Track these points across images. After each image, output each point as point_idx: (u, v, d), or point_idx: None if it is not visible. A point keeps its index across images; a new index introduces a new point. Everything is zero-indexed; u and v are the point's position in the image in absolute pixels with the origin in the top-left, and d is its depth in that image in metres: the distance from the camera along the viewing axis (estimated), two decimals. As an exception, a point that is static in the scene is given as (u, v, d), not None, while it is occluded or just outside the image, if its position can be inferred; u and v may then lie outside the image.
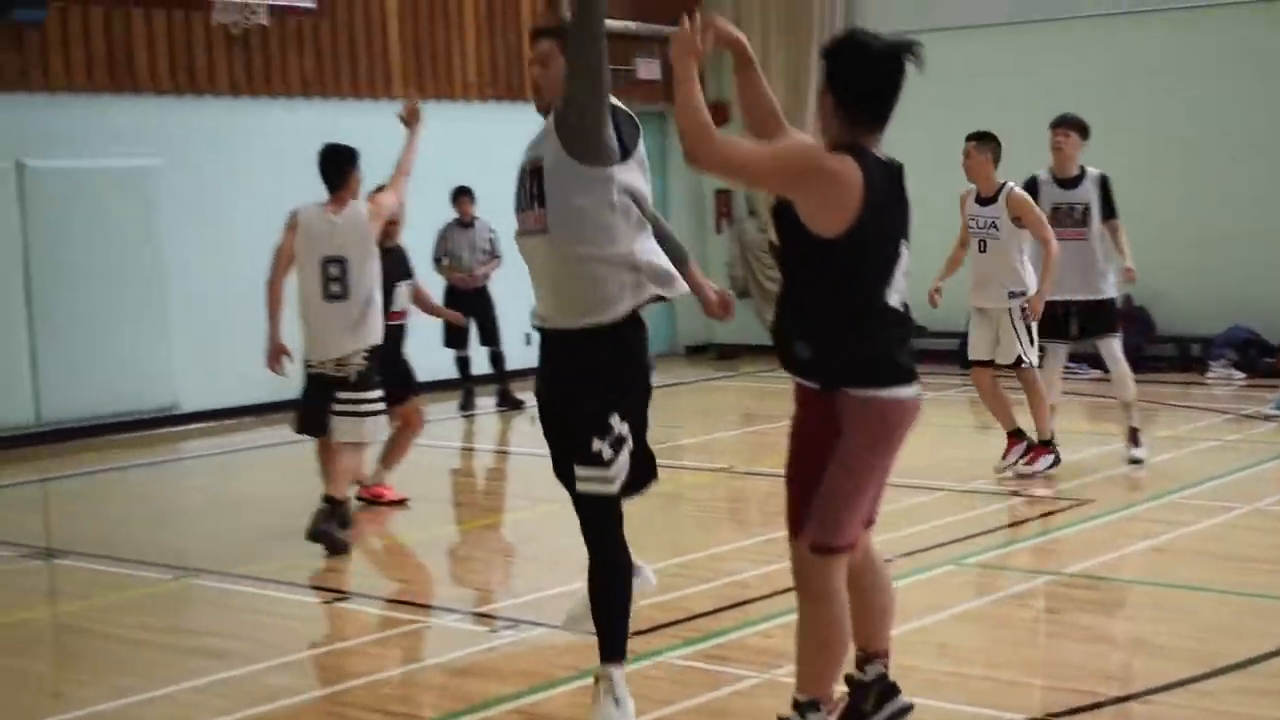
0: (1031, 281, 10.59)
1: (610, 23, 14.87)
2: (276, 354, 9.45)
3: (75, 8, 13.69)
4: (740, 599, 7.66)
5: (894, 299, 4.95)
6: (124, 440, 13.81)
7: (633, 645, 6.93)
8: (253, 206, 14.22)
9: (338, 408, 9.38)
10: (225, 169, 14.75)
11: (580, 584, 5.84)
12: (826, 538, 4.93)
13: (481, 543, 10.07)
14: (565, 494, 5.82)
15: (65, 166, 13.68)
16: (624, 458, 5.64)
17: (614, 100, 5.63)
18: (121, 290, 13.96)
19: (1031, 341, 10.63)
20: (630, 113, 5.72)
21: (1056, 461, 10.73)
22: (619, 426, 5.62)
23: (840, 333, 4.88)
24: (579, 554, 5.75)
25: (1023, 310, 10.57)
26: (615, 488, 5.64)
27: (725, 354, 18.95)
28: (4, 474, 12.38)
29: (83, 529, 10.38)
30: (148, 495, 11.99)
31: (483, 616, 7.81)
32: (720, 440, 12.62)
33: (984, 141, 10.61)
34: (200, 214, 14.55)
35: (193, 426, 14.44)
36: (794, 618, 5.23)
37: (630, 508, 5.76)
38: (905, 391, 4.93)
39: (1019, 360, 10.63)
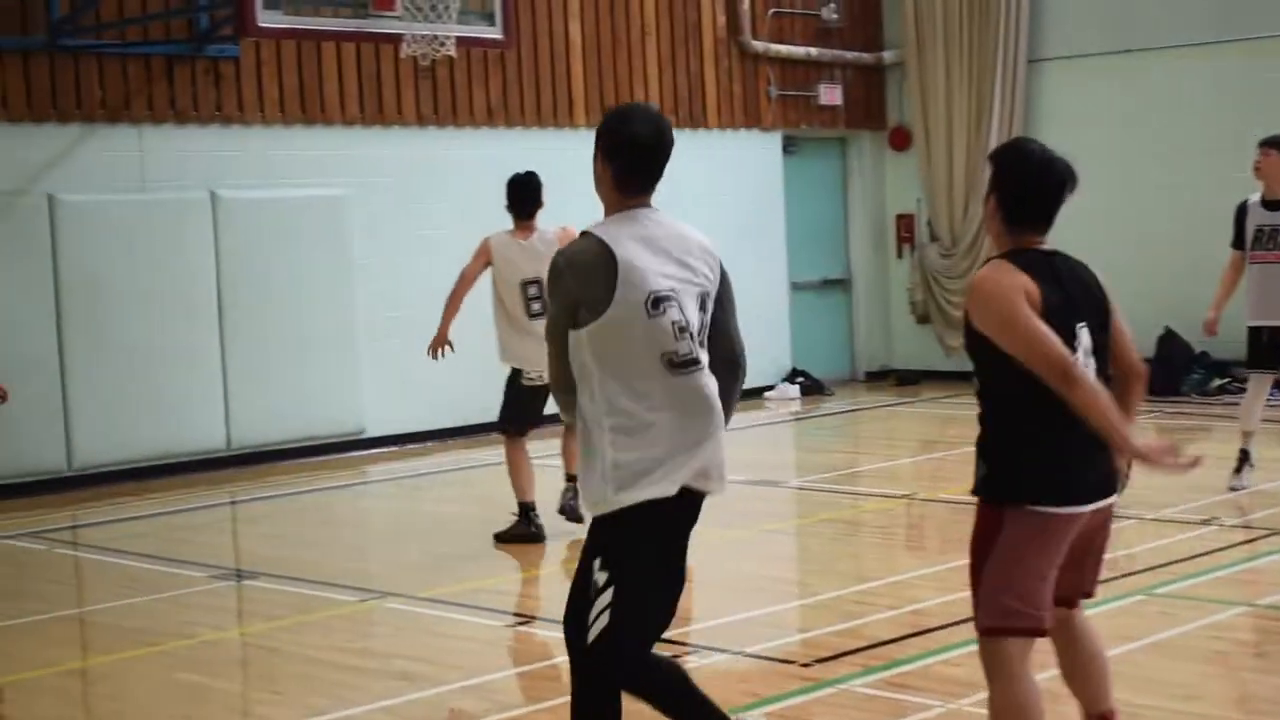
0: None
1: (792, 49, 14.89)
2: (439, 343, 10.24)
3: (268, 43, 14.01)
4: (923, 627, 7.56)
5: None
6: (312, 464, 14.06)
7: (817, 672, 6.92)
8: (439, 235, 14.45)
9: None
10: (412, 198, 14.98)
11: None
12: (989, 620, 4.96)
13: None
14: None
15: (257, 196, 13.98)
16: (598, 608, 4.93)
17: (607, 238, 5.16)
18: (311, 316, 14.22)
19: None
20: (597, 251, 5.10)
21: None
22: (597, 574, 4.95)
23: (1017, 444, 4.87)
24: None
25: None
26: (588, 639, 4.96)
27: (905, 380, 18.76)
28: (195, 496, 12.66)
29: (271, 551, 10.58)
30: (335, 518, 12.20)
31: (663, 642, 7.79)
32: (901, 467, 12.50)
33: None
34: (387, 242, 14.78)
35: (379, 450, 14.66)
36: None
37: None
38: (1076, 509, 4.91)
39: None
